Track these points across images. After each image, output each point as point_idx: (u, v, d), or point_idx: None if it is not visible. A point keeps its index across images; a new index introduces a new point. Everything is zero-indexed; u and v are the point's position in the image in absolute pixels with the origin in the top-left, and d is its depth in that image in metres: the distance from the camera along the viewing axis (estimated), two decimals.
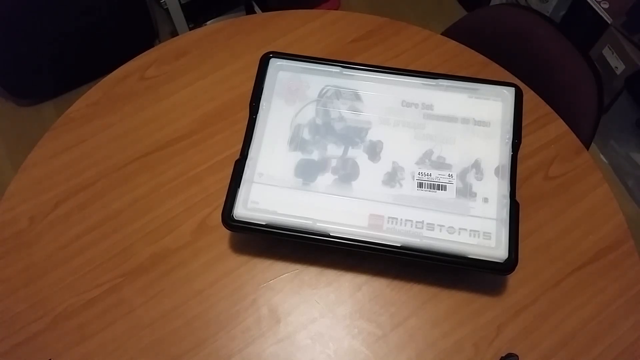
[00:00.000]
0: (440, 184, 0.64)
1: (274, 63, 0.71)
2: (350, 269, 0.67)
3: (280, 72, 0.70)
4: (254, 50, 0.82)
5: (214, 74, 0.80)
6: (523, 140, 0.66)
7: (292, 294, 0.65)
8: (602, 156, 1.48)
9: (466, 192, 0.63)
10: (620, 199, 1.42)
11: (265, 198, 0.63)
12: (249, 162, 0.65)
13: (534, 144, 0.75)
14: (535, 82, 0.80)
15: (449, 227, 0.61)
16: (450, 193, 0.63)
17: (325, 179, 0.64)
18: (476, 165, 0.65)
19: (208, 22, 1.55)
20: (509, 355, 0.61)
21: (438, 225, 0.61)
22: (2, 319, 0.64)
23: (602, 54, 1.35)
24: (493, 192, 0.63)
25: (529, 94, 0.78)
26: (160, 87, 0.79)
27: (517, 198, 0.63)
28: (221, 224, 0.62)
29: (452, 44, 0.83)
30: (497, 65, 0.81)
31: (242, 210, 0.62)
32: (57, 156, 0.74)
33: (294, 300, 0.65)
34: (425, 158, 0.65)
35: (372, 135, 0.67)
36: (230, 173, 0.64)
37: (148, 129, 0.76)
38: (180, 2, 1.44)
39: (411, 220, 0.61)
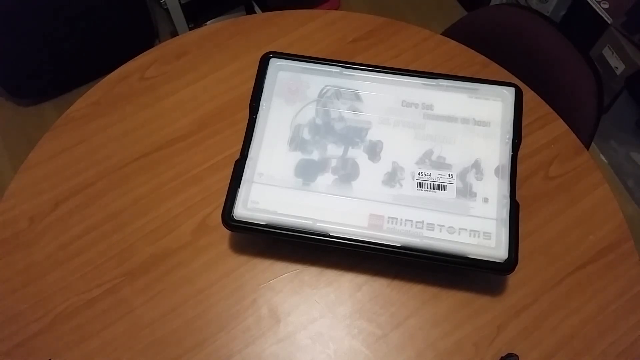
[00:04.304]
0: (440, 184, 0.64)
1: (274, 63, 0.71)
2: (350, 269, 0.67)
3: (280, 72, 0.70)
4: (254, 50, 0.82)
5: (214, 74, 0.80)
6: (523, 140, 0.66)
7: (292, 294, 0.65)
8: (602, 156, 1.48)
9: (466, 192, 0.63)
10: (620, 199, 1.42)
11: (265, 198, 0.63)
12: (249, 162, 0.65)
13: (534, 144, 0.75)
14: (535, 82, 0.80)
15: (449, 227, 0.61)
16: (450, 193, 0.63)
17: (325, 179, 0.64)
18: (476, 165, 0.65)
19: (208, 22, 1.55)
20: (509, 355, 0.61)
21: (438, 225, 0.61)
22: (2, 319, 0.64)
23: (602, 54, 1.35)
24: (493, 192, 0.63)
25: (529, 94, 0.78)
26: (160, 87, 0.79)
27: (517, 198, 0.63)
28: (221, 224, 0.62)
29: (452, 44, 0.83)
30: (497, 65, 0.81)
31: (242, 210, 0.62)
32: (57, 156, 0.74)
33: (294, 300, 0.65)
34: (425, 158, 0.65)
35: (372, 135, 0.67)
36: (230, 173, 0.64)
37: (148, 129, 0.76)
38: (180, 2, 1.44)
39: (411, 220, 0.61)
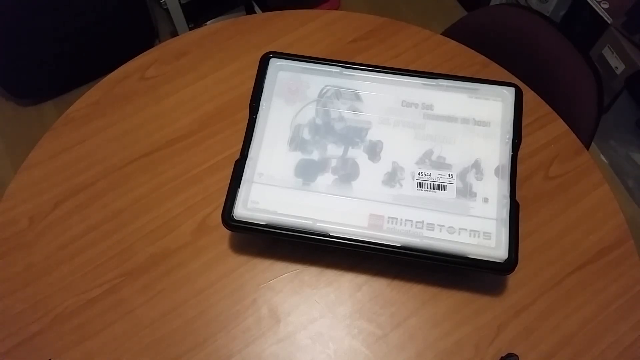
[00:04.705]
0: (440, 184, 0.64)
1: (274, 63, 0.71)
2: (350, 269, 0.67)
3: (280, 72, 0.70)
4: (254, 50, 0.82)
5: (214, 74, 0.80)
6: (523, 140, 0.66)
7: (292, 294, 0.65)
8: (602, 156, 1.48)
9: (466, 192, 0.63)
10: (620, 199, 1.42)
11: (265, 198, 0.63)
12: (249, 162, 0.65)
13: (534, 144, 0.75)
14: (535, 82, 0.80)
15: (449, 227, 0.61)
16: (450, 193, 0.63)
17: (325, 179, 0.64)
18: (476, 165, 0.65)
19: (208, 22, 1.55)
20: (509, 355, 0.61)
21: (438, 225, 0.61)
22: (2, 319, 0.64)
23: (602, 54, 1.35)
24: (493, 192, 0.63)
25: (529, 94, 0.78)
26: (160, 87, 0.79)
27: (517, 198, 0.63)
28: (221, 224, 0.62)
29: (452, 44, 0.83)
30: (497, 65, 0.81)
31: (242, 210, 0.62)
32: (57, 156, 0.74)
33: (294, 300, 0.65)
34: (425, 158, 0.65)
35: (372, 135, 0.67)
36: (230, 173, 0.64)
37: (148, 129, 0.76)
38: (180, 2, 1.44)
39: (411, 220, 0.61)
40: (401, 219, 0.62)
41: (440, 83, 0.69)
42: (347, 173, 0.64)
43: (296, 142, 0.66)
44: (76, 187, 0.72)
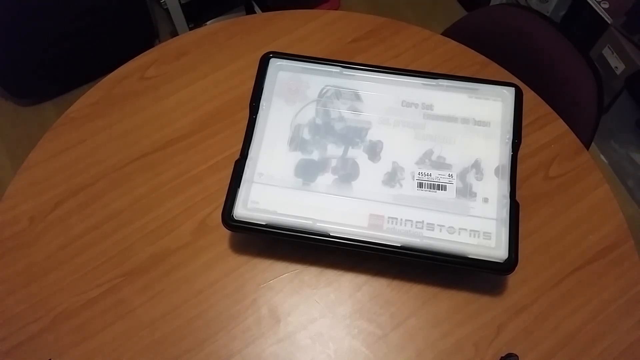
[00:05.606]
0: (440, 184, 0.64)
1: (274, 63, 0.71)
2: (350, 269, 0.67)
3: (280, 72, 0.70)
4: (254, 50, 0.82)
5: (214, 74, 0.80)
6: (523, 140, 0.66)
7: (292, 294, 0.65)
8: (602, 156, 1.48)
9: (466, 192, 0.63)
10: (620, 199, 1.42)
11: (265, 198, 0.63)
12: (249, 162, 0.65)
13: (534, 144, 0.75)
14: (536, 82, 0.80)
15: (449, 227, 0.61)
16: (450, 193, 0.63)
17: (325, 179, 0.64)
18: (476, 165, 0.65)
19: (208, 22, 1.55)
20: (509, 355, 0.61)
21: (438, 225, 0.61)
22: (2, 319, 0.64)
23: (602, 54, 1.35)
24: (493, 192, 0.63)
25: (529, 94, 0.78)
26: (160, 87, 0.79)
27: (517, 198, 0.63)
28: (221, 224, 0.62)
29: (452, 44, 0.83)
30: (497, 65, 0.81)
31: (242, 210, 0.62)
32: (57, 156, 0.74)
33: (294, 300, 0.65)
34: (425, 158, 0.65)
35: (372, 135, 0.67)
36: (230, 173, 0.64)
37: (148, 129, 0.76)
38: (180, 2, 1.44)
39: (411, 220, 0.61)
40: (401, 219, 0.62)
41: (440, 83, 0.69)
42: (347, 173, 0.64)
43: (296, 142, 0.66)
44: (76, 187, 0.72)
